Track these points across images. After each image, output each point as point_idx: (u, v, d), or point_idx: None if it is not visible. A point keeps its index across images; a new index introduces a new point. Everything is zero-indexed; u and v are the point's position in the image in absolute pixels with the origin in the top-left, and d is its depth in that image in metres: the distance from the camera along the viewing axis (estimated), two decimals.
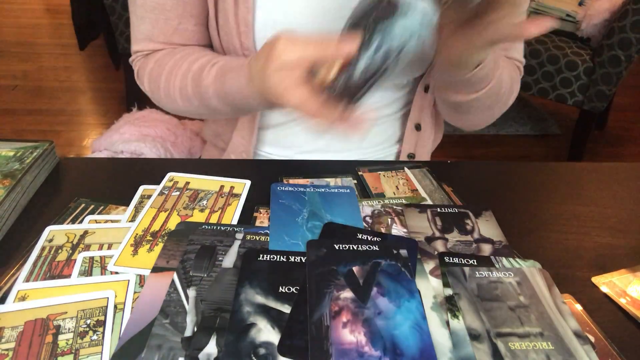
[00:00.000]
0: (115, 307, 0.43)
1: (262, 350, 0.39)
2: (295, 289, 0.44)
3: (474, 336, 0.41)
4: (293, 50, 0.46)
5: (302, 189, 0.59)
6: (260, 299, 0.43)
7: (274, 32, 0.60)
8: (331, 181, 0.62)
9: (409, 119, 0.77)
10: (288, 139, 0.77)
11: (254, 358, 0.38)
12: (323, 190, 0.59)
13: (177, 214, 0.54)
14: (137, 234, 0.51)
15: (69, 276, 0.46)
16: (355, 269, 0.45)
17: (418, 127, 0.78)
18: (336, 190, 0.59)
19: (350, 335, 0.39)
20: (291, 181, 0.61)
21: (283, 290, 0.44)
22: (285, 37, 0.47)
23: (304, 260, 0.47)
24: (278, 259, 0.47)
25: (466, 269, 0.47)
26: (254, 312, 0.42)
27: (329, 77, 0.45)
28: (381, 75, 0.45)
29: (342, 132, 0.47)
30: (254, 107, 0.60)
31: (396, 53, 0.43)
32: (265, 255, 0.47)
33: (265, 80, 0.48)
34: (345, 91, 0.45)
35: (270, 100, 0.51)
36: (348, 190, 0.59)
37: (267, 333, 0.40)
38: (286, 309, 0.42)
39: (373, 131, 0.78)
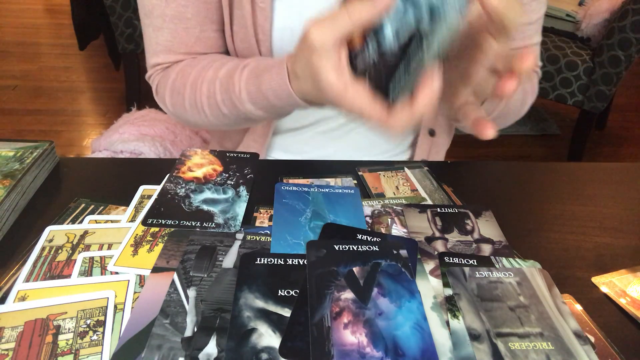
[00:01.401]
0: (115, 307, 0.43)
1: (264, 356, 0.38)
2: (295, 292, 0.44)
3: (474, 336, 0.41)
4: (324, 30, 0.40)
5: (306, 189, 0.59)
6: (259, 303, 0.43)
7: (291, 40, 0.58)
8: (331, 181, 0.62)
9: (423, 125, 0.75)
10: (297, 145, 0.76)
11: None
12: (327, 190, 0.59)
13: None
14: (137, 234, 0.51)
15: (69, 276, 0.46)
16: (355, 269, 0.45)
17: (432, 133, 0.76)
18: (340, 191, 0.59)
19: (351, 336, 0.39)
20: (292, 181, 0.61)
21: (282, 294, 0.44)
22: (311, 24, 0.42)
23: (302, 263, 0.47)
24: (276, 262, 0.47)
25: (466, 269, 0.47)
26: (254, 317, 0.41)
27: (356, 47, 0.40)
28: (417, 51, 0.37)
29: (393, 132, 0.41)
30: (292, 107, 0.54)
31: (428, 15, 0.36)
32: (262, 259, 0.47)
33: (314, 75, 0.43)
34: (379, 71, 0.39)
35: (318, 97, 0.47)
36: (352, 191, 0.59)
37: (268, 338, 0.40)
38: (286, 312, 0.42)
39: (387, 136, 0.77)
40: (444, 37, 0.37)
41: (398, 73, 0.39)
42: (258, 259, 0.47)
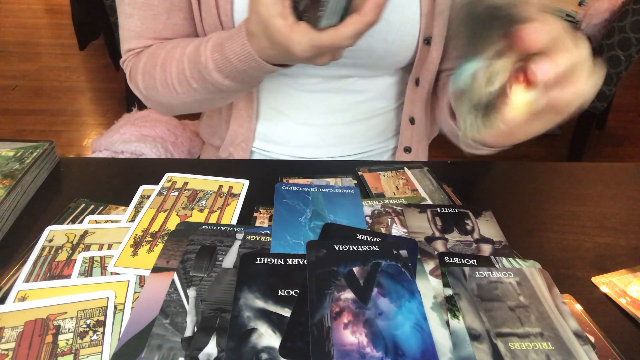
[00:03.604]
0: (115, 307, 0.43)
1: (264, 356, 0.38)
2: (295, 292, 0.44)
3: (474, 336, 0.41)
4: None
5: (306, 189, 0.59)
6: (259, 303, 0.43)
7: None
8: (331, 181, 0.62)
9: (404, 113, 0.77)
10: (279, 134, 0.77)
11: None
12: (327, 190, 0.59)
13: (176, 214, 0.54)
14: (136, 235, 0.51)
15: (69, 276, 0.46)
16: (355, 269, 0.45)
17: (412, 121, 0.78)
18: (340, 191, 0.59)
19: (351, 336, 0.39)
20: (292, 181, 0.61)
21: (282, 294, 0.44)
22: None
23: (302, 263, 0.47)
24: (276, 262, 0.47)
25: (466, 269, 0.47)
26: (254, 317, 0.41)
27: None
28: None
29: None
30: (256, 70, 0.59)
31: None
32: (262, 259, 0.47)
33: (264, 26, 0.49)
34: (314, 10, 0.46)
35: (274, 51, 0.51)
36: (352, 191, 0.59)
37: (268, 338, 0.40)
38: (286, 312, 0.42)
39: (368, 125, 0.78)
40: None
41: (328, 8, 0.45)
42: (258, 259, 0.47)
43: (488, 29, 0.40)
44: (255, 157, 0.80)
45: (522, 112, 0.40)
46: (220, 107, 0.78)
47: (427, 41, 0.69)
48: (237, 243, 0.50)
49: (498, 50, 0.40)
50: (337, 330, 0.40)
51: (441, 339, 0.41)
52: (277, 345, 0.39)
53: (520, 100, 0.39)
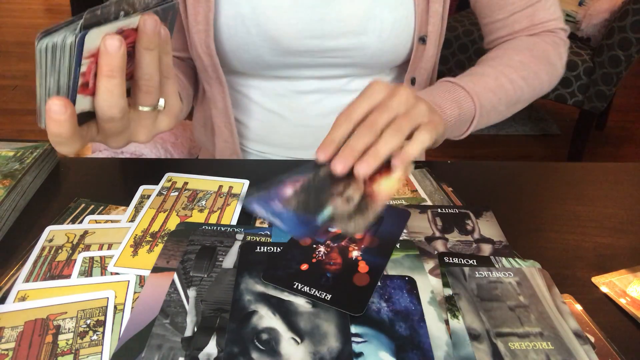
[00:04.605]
0: (115, 307, 0.43)
1: (264, 336, 0.40)
2: None
3: (474, 336, 0.41)
4: None
5: None
6: (259, 287, 0.44)
7: (244, 28, 0.62)
8: None
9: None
10: (275, 136, 0.77)
11: (257, 343, 0.39)
12: None
13: (177, 215, 0.54)
14: (136, 235, 0.51)
15: (69, 276, 0.46)
16: None
17: None
18: None
19: None
20: None
21: None
22: None
23: None
24: (275, 250, 0.48)
25: (466, 269, 0.47)
26: (255, 300, 0.43)
27: None
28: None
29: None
30: None
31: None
32: (262, 247, 0.49)
33: None
34: None
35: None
36: None
37: (268, 319, 0.41)
38: (285, 296, 0.43)
39: None
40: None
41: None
42: (258, 247, 0.49)
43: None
44: (252, 158, 0.80)
45: (393, 188, 0.44)
46: (203, 124, 0.80)
47: (423, 40, 0.69)
48: (237, 244, 0.50)
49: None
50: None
51: (438, 333, 0.41)
52: (277, 326, 0.40)
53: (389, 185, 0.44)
